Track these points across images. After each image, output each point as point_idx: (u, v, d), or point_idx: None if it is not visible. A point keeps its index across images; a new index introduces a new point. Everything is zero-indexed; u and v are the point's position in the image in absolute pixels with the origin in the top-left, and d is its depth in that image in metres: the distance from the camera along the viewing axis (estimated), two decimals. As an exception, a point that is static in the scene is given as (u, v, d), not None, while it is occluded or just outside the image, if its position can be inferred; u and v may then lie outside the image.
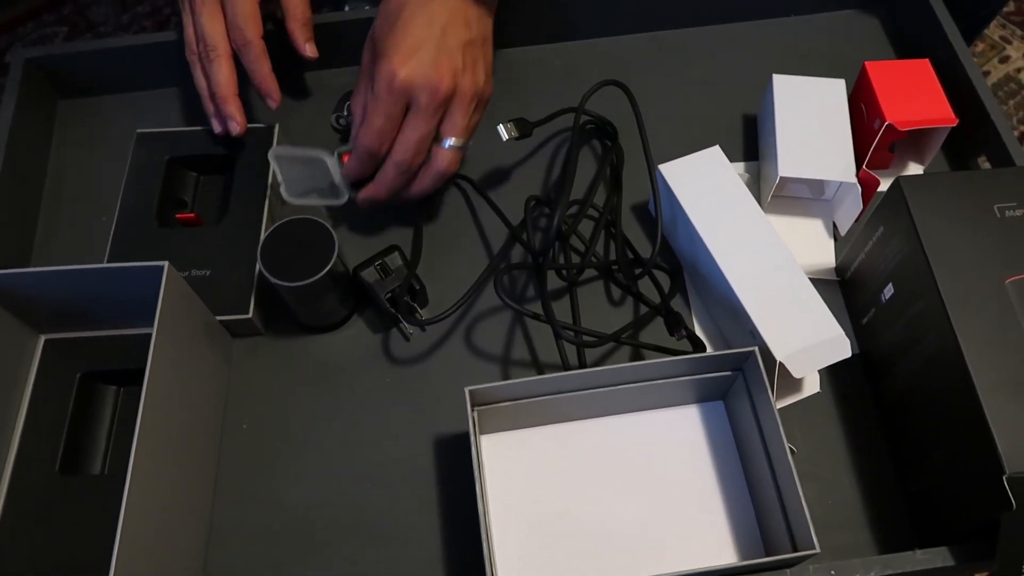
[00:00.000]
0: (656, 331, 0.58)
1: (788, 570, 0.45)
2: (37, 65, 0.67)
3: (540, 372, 0.57)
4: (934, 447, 0.48)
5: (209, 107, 0.61)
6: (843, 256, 0.59)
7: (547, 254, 0.57)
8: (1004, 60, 1.54)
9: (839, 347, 0.49)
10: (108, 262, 0.58)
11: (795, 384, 0.54)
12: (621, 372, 0.49)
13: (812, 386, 0.54)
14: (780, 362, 0.49)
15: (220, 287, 0.57)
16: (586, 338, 0.54)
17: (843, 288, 0.60)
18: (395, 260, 0.56)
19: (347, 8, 0.83)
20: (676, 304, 0.59)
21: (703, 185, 0.56)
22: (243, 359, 0.58)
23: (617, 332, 0.53)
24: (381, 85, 0.52)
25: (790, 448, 0.46)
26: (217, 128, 0.61)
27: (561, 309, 0.59)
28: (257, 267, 0.54)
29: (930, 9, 0.67)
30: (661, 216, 0.57)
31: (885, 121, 0.57)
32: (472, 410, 0.48)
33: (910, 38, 0.71)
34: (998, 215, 0.48)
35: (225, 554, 0.51)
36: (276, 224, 0.53)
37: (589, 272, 0.61)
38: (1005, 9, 1.55)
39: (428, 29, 0.53)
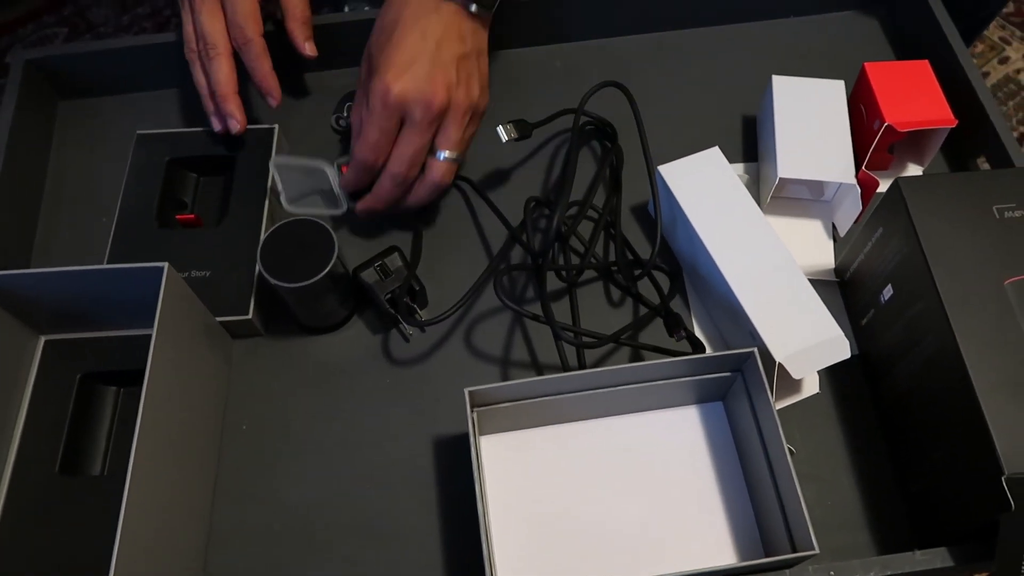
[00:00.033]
0: (656, 332, 0.58)
1: (787, 571, 0.46)
2: (37, 66, 0.67)
3: (540, 373, 0.57)
4: (933, 448, 0.48)
5: (209, 105, 0.61)
6: (842, 257, 0.60)
7: (547, 255, 0.57)
8: (1003, 61, 1.54)
9: (838, 348, 0.49)
10: (108, 263, 0.58)
11: (794, 385, 0.54)
12: (620, 373, 0.49)
13: (811, 387, 0.54)
14: (779, 363, 0.49)
15: (220, 288, 0.57)
16: (585, 339, 0.54)
17: (842, 289, 0.60)
18: (395, 261, 0.56)
19: (347, 9, 0.83)
20: (675, 305, 0.59)
21: (702, 186, 0.56)
22: (243, 360, 0.58)
23: (616, 333, 0.53)
24: (376, 100, 0.53)
25: (789, 449, 0.46)
26: (217, 126, 0.61)
27: (561, 310, 0.59)
28: (257, 268, 0.54)
29: (929, 10, 0.67)
30: (660, 217, 0.57)
31: (884, 122, 0.58)
32: (472, 411, 0.48)
33: (909, 39, 0.71)
34: (997, 216, 0.48)
35: (225, 554, 0.51)
36: (276, 225, 0.53)
37: (589, 273, 0.61)
38: (1004, 10, 1.55)
39: (422, 44, 0.53)
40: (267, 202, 0.60)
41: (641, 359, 0.58)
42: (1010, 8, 1.58)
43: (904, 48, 0.72)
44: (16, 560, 0.49)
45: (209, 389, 0.54)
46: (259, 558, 0.51)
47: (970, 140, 0.63)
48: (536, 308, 0.59)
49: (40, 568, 0.49)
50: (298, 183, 0.59)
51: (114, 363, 0.55)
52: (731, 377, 0.51)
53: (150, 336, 0.45)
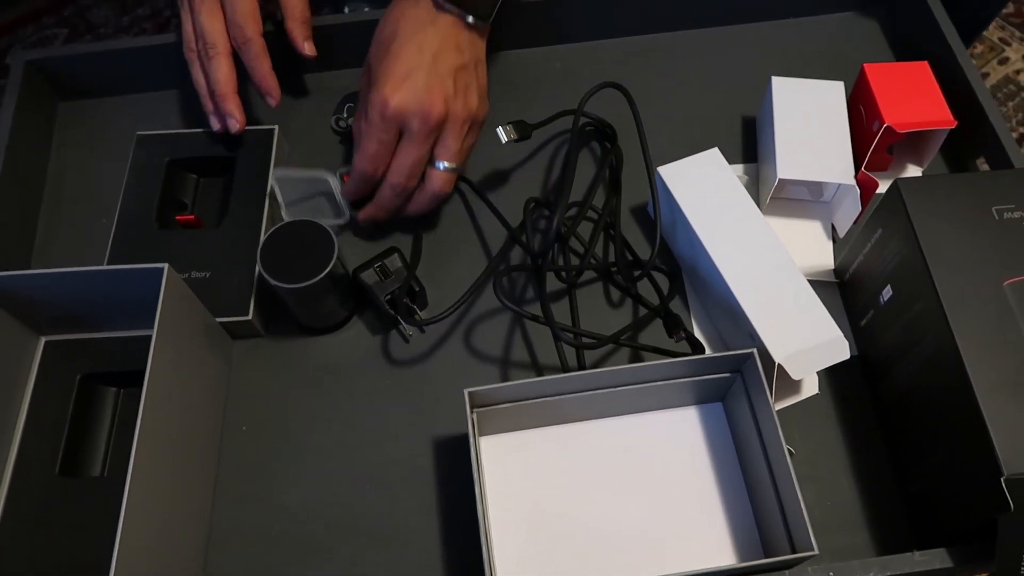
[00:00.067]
0: (655, 333, 0.58)
1: (787, 571, 0.46)
2: (37, 67, 0.67)
3: (539, 374, 0.57)
4: (932, 449, 0.48)
5: (208, 105, 0.61)
6: (842, 258, 0.60)
7: (546, 256, 0.57)
8: (1003, 62, 1.54)
9: (838, 349, 0.49)
10: (108, 264, 0.58)
11: (794, 386, 0.54)
12: (620, 374, 0.49)
13: (811, 388, 0.54)
14: (779, 364, 0.49)
15: (220, 289, 0.57)
16: (585, 340, 0.54)
17: (842, 290, 0.60)
18: (395, 262, 0.56)
19: (347, 10, 0.83)
20: (675, 306, 0.59)
21: (702, 187, 0.56)
22: (243, 361, 0.58)
23: (616, 334, 0.53)
24: (374, 112, 0.54)
25: (789, 450, 0.46)
26: (215, 126, 0.61)
27: (560, 311, 0.59)
28: (257, 269, 0.54)
29: (929, 11, 0.67)
30: (660, 218, 0.57)
31: (884, 123, 0.58)
32: (471, 411, 0.48)
33: (909, 40, 0.72)
34: (996, 217, 0.48)
35: (225, 555, 0.51)
36: (276, 226, 0.54)
37: (588, 274, 0.61)
38: (1004, 11, 1.55)
39: (419, 56, 0.54)
40: (267, 203, 0.60)
41: (641, 360, 0.58)
42: (1010, 9, 1.58)
43: (903, 49, 0.72)
44: (16, 561, 0.49)
45: (209, 390, 0.54)
46: (259, 558, 0.51)
47: (969, 141, 0.63)
48: (536, 309, 0.59)
49: (40, 569, 0.49)
50: (300, 194, 0.60)
51: (114, 364, 0.55)
52: (731, 378, 0.51)
53: (150, 337, 0.45)
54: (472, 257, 0.62)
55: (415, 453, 0.54)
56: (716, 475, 0.52)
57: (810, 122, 0.61)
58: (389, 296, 0.55)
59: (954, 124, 0.58)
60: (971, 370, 0.43)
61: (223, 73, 0.59)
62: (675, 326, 0.53)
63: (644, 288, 0.60)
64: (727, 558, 0.50)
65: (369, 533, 0.52)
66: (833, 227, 0.62)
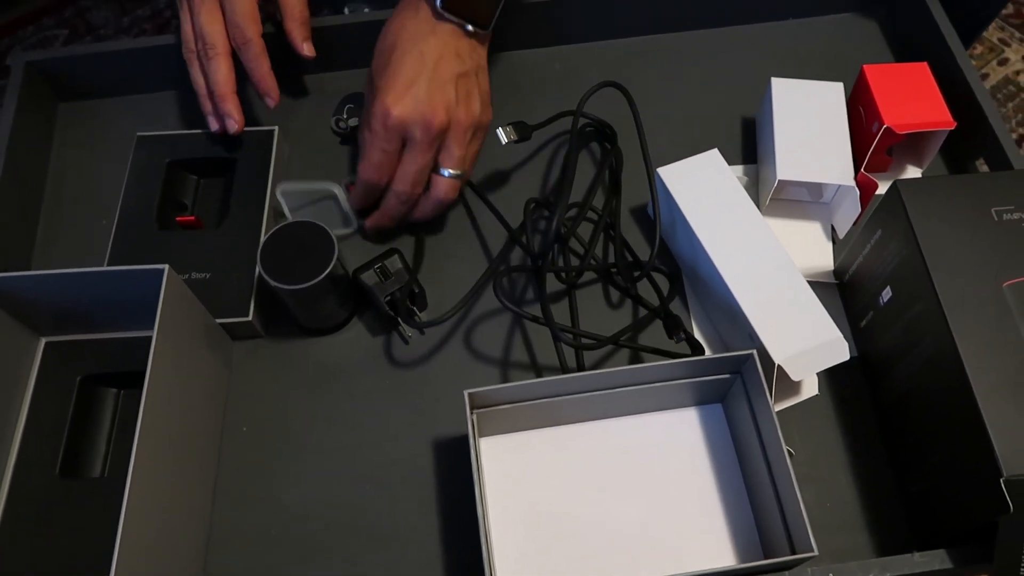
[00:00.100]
0: (655, 334, 0.58)
1: (786, 572, 0.46)
2: (38, 68, 0.67)
3: (539, 375, 0.57)
4: (932, 450, 0.48)
5: (206, 105, 0.61)
6: (841, 259, 0.60)
7: (546, 257, 0.57)
8: (1003, 63, 1.54)
9: (837, 350, 0.50)
10: (108, 265, 0.58)
11: (793, 387, 0.54)
12: (620, 375, 0.49)
13: (810, 389, 0.55)
14: (778, 365, 0.49)
15: (220, 290, 0.57)
16: (585, 340, 0.54)
17: (841, 291, 0.60)
18: (395, 263, 0.56)
19: (347, 11, 0.83)
20: (675, 307, 0.59)
21: (701, 188, 0.57)
22: (243, 361, 0.58)
23: (616, 335, 0.53)
24: (377, 122, 0.54)
25: (788, 451, 0.46)
26: (214, 126, 0.62)
27: (560, 311, 0.59)
28: (257, 270, 0.54)
29: (928, 12, 0.67)
30: (660, 219, 0.57)
31: (883, 124, 0.58)
32: (471, 412, 0.48)
33: (908, 41, 0.72)
34: (995, 218, 0.48)
35: (225, 555, 0.51)
36: (276, 227, 0.54)
37: (588, 275, 0.61)
38: (1004, 11, 1.55)
39: (420, 65, 0.54)
40: (267, 204, 0.60)
41: (641, 361, 0.58)
42: (1009, 10, 1.59)
43: (903, 50, 0.72)
44: (17, 562, 0.49)
45: (209, 390, 0.54)
46: (259, 559, 0.51)
47: (969, 142, 0.63)
48: (536, 310, 0.59)
49: (41, 570, 0.49)
50: (306, 205, 0.60)
51: (114, 365, 0.55)
52: (730, 379, 0.51)
53: (150, 338, 0.45)
54: (472, 258, 0.62)
55: (415, 453, 0.54)
56: (716, 476, 0.52)
57: (810, 123, 0.61)
58: (389, 297, 0.55)
59: (953, 125, 0.58)
60: (971, 371, 0.44)
61: (222, 74, 0.59)
62: (675, 327, 0.53)
63: (644, 289, 0.60)
64: (727, 559, 0.50)
65: (369, 533, 0.52)
66: (833, 228, 0.62)
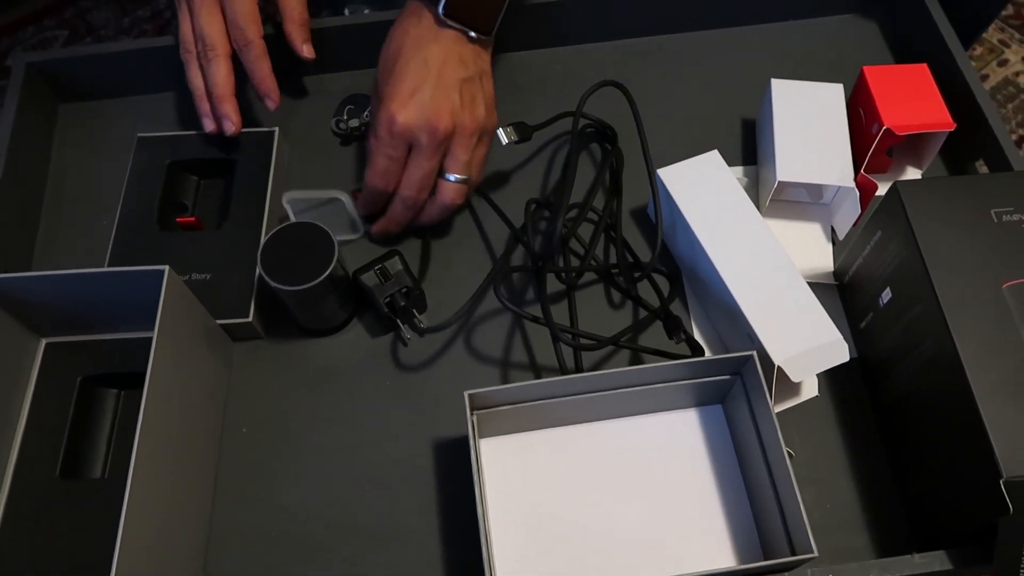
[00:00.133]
0: (655, 335, 0.59)
1: (786, 574, 0.46)
2: (38, 69, 0.67)
3: (539, 376, 0.57)
4: (932, 451, 0.48)
5: (203, 106, 0.61)
6: (841, 260, 0.60)
7: (550, 258, 0.57)
8: (1002, 64, 1.54)
9: (837, 351, 0.50)
10: (109, 266, 0.58)
11: (793, 388, 0.54)
12: (620, 376, 0.49)
13: (810, 390, 0.55)
14: (778, 366, 0.49)
15: (220, 291, 0.57)
16: (585, 341, 0.54)
17: (841, 292, 0.60)
18: (395, 265, 0.56)
19: (347, 12, 0.84)
20: (675, 308, 0.60)
21: (701, 189, 0.57)
22: (243, 362, 0.58)
23: (616, 335, 0.53)
24: (382, 129, 0.55)
25: (788, 452, 0.46)
26: (209, 127, 0.61)
27: (560, 312, 0.59)
28: (257, 271, 0.54)
29: (928, 13, 0.67)
30: (661, 221, 0.57)
31: (883, 125, 0.58)
32: (471, 414, 0.48)
33: (908, 42, 0.72)
34: (995, 220, 0.48)
35: (225, 556, 0.51)
36: (276, 228, 0.54)
37: (589, 276, 0.61)
38: (1004, 12, 1.55)
39: (424, 71, 0.55)
40: (267, 205, 0.60)
41: (641, 362, 0.58)
42: (1009, 11, 1.59)
43: (903, 51, 0.72)
44: (17, 563, 0.49)
45: (209, 391, 0.54)
46: (259, 559, 0.51)
47: (968, 143, 0.63)
48: (536, 310, 0.59)
49: (41, 570, 0.49)
50: (312, 213, 0.60)
51: (115, 366, 0.55)
52: (730, 380, 0.51)
53: (151, 339, 0.46)
54: (472, 259, 0.62)
55: (415, 454, 0.54)
56: (716, 477, 0.52)
57: (810, 124, 0.61)
58: (388, 299, 0.55)
59: (953, 126, 0.59)
60: (970, 373, 0.44)
61: (221, 76, 0.59)
62: (675, 328, 0.53)
63: (644, 290, 0.60)
64: (726, 560, 0.50)
65: (369, 533, 0.52)
66: (833, 229, 0.62)
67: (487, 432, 0.53)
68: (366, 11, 0.80)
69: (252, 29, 0.59)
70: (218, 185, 0.64)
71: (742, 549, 0.50)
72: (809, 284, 0.52)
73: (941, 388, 0.46)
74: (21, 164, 0.63)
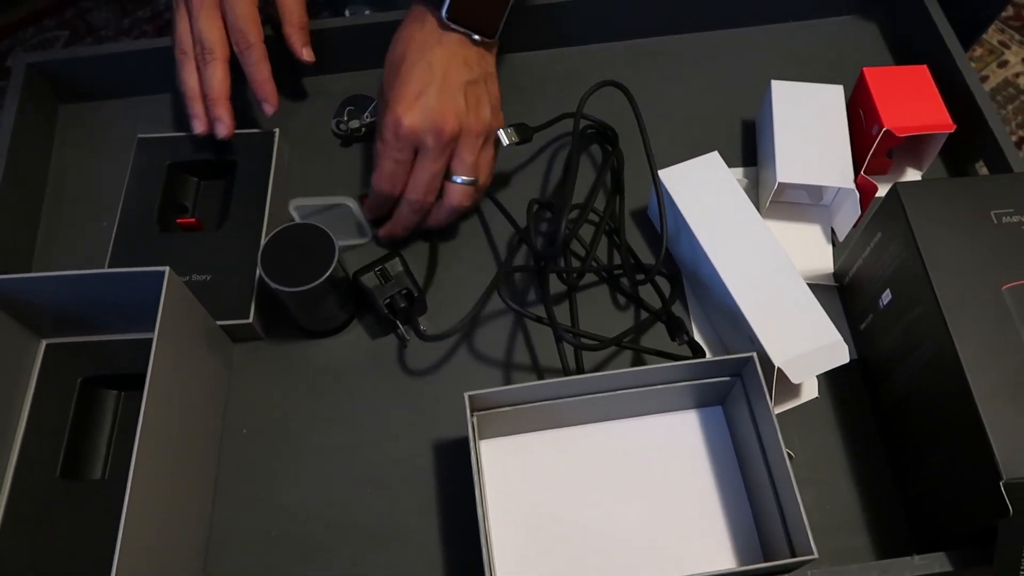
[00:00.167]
0: (656, 336, 0.59)
1: (786, 575, 0.46)
2: (38, 70, 0.67)
3: (540, 377, 0.57)
4: (932, 452, 0.48)
5: (196, 107, 0.60)
6: (841, 261, 0.60)
7: (554, 259, 0.57)
8: (1002, 65, 1.54)
9: (837, 353, 0.50)
10: (109, 267, 0.58)
11: (793, 389, 0.54)
12: (620, 377, 0.49)
13: (810, 391, 0.55)
14: (778, 368, 0.49)
15: (221, 292, 0.57)
16: (587, 341, 0.54)
17: (841, 293, 0.60)
18: (395, 266, 0.56)
19: (347, 13, 0.84)
20: (675, 309, 0.60)
21: (701, 190, 0.57)
22: (243, 363, 0.58)
23: (619, 336, 0.53)
24: (389, 133, 0.55)
25: (788, 453, 0.46)
26: (199, 128, 0.60)
27: (561, 314, 0.59)
28: (257, 272, 0.54)
29: (928, 14, 0.67)
30: (666, 226, 0.57)
31: (883, 127, 0.58)
32: (471, 415, 0.48)
33: (908, 44, 0.72)
34: (995, 221, 0.48)
35: (225, 557, 0.51)
36: (277, 229, 0.54)
37: (591, 277, 0.61)
38: (1003, 14, 1.55)
39: (429, 75, 0.55)
40: (268, 206, 0.60)
41: (642, 364, 0.58)
42: (1009, 12, 1.59)
43: (903, 53, 0.72)
44: (17, 564, 0.49)
45: (209, 392, 0.54)
46: (259, 559, 0.51)
47: (968, 145, 0.63)
48: (537, 311, 0.59)
49: (41, 571, 0.49)
50: (318, 218, 0.60)
51: (115, 367, 0.55)
52: (730, 382, 0.51)
53: (151, 340, 0.46)
54: (474, 259, 0.62)
55: (415, 455, 0.54)
56: (716, 479, 0.52)
57: (810, 126, 0.61)
58: (388, 300, 0.55)
59: (953, 128, 0.59)
60: (970, 374, 0.44)
61: (218, 79, 0.59)
62: (678, 329, 0.53)
63: (645, 291, 0.60)
64: (727, 562, 0.50)
65: (369, 534, 0.52)
66: (833, 231, 0.62)
67: (487, 433, 0.53)
68: (366, 12, 0.81)
69: (253, 32, 0.59)
70: (218, 186, 0.64)
71: (742, 550, 0.50)
72: (809, 285, 0.52)
73: (941, 389, 0.46)
74: (21, 165, 0.63)
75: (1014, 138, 1.37)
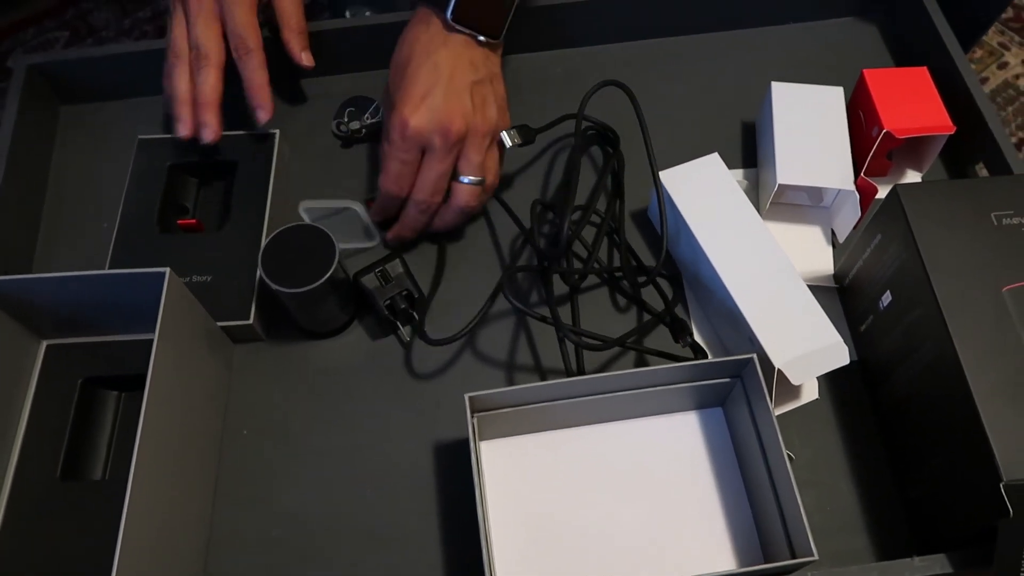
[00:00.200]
0: (657, 337, 0.59)
1: (786, 576, 0.46)
2: (39, 71, 0.67)
3: (541, 378, 0.57)
4: (932, 454, 0.48)
5: (183, 110, 0.60)
6: (841, 263, 0.60)
7: (558, 261, 0.57)
8: (1002, 66, 1.54)
9: (837, 354, 0.50)
10: (110, 268, 0.58)
11: (793, 391, 0.54)
12: (620, 379, 0.49)
13: (810, 393, 0.55)
14: (778, 369, 0.49)
15: (221, 293, 0.57)
16: (591, 341, 0.54)
17: (841, 295, 0.60)
18: (396, 267, 0.56)
19: (348, 14, 0.84)
20: (676, 310, 0.59)
21: (702, 192, 0.57)
22: (244, 365, 0.58)
23: (622, 337, 0.53)
24: (395, 134, 0.55)
25: (788, 455, 0.46)
26: (183, 132, 0.60)
27: (563, 315, 0.59)
28: (258, 273, 0.54)
29: (928, 16, 0.67)
30: (666, 227, 0.57)
31: (883, 129, 0.58)
32: (472, 416, 0.48)
33: (908, 45, 0.72)
34: (995, 223, 0.48)
35: (225, 558, 0.51)
36: (277, 230, 0.54)
37: (593, 279, 0.61)
38: (1003, 15, 1.56)
39: (435, 75, 0.55)
40: (268, 207, 0.60)
41: (643, 365, 0.58)
42: (1009, 13, 1.59)
43: (903, 54, 0.72)
44: (17, 564, 0.49)
45: (210, 393, 0.54)
46: (259, 561, 0.51)
47: (968, 146, 0.63)
48: (540, 311, 0.59)
49: (41, 572, 0.49)
50: (327, 222, 0.60)
51: (115, 368, 0.55)
52: (730, 383, 0.51)
53: (152, 341, 0.46)
54: (476, 259, 0.62)
55: (415, 456, 0.54)
56: (716, 480, 0.52)
57: (810, 127, 0.61)
58: (388, 301, 0.55)
59: (953, 130, 0.59)
60: (970, 376, 0.44)
61: (210, 84, 0.59)
62: (681, 331, 0.53)
63: (647, 292, 0.60)
64: (727, 563, 0.50)
65: (369, 535, 0.52)
66: (833, 232, 0.62)
67: (487, 434, 0.53)
68: (367, 13, 0.81)
69: (252, 38, 0.59)
70: (219, 187, 0.65)
71: (742, 552, 0.50)
72: (809, 287, 0.52)
73: (941, 391, 0.47)
74: (22, 165, 0.63)
75: (1014, 140, 1.37)
